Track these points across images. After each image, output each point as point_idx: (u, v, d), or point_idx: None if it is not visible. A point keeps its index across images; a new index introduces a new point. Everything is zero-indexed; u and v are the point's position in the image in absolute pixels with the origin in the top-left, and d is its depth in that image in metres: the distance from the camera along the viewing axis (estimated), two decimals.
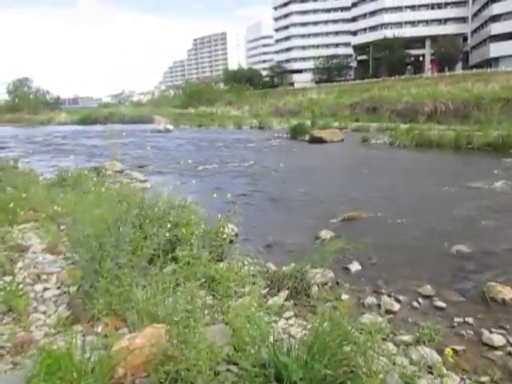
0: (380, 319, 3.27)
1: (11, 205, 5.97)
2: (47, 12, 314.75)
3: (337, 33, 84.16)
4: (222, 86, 76.68)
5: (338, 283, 4.33)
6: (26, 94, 76.23)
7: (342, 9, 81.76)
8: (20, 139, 29.64)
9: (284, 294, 3.84)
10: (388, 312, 3.75)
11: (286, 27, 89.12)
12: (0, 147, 20.47)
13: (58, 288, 3.94)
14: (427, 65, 66.01)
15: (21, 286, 3.64)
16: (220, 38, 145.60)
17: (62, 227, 5.58)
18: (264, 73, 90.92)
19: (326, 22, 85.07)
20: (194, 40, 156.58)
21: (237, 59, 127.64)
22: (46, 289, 3.94)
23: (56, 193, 7.17)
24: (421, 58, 68.10)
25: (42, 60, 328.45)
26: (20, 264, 4.50)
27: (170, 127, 33.56)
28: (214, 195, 5.57)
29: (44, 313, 3.50)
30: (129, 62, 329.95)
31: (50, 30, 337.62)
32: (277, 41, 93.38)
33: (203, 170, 12.96)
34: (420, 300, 4.07)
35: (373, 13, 71.34)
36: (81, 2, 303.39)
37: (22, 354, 2.90)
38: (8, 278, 4.00)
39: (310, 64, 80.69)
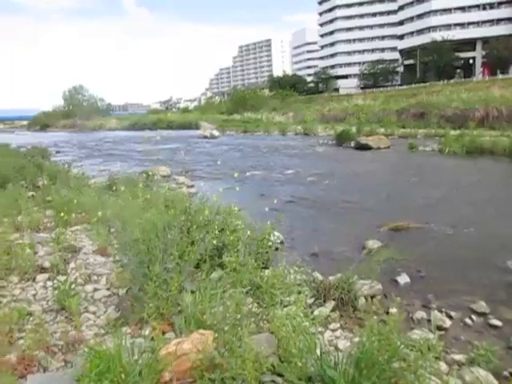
0: (431, 336, 3.13)
1: (65, 207, 6.25)
2: (100, 23, 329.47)
3: (383, 37, 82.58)
4: (266, 92, 77.03)
5: (385, 296, 4.20)
6: (79, 101, 79.95)
7: (389, 12, 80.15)
8: (73, 144, 31.06)
9: (330, 304, 3.77)
10: (439, 328, 3.58)
11: (331, 33, 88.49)
12: (56, 151, 21.53)
13: (108, 289, 4.06)
14: (478, 68, 63.33)
15: (73, 285, 3.77)
16: (265, 44, 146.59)
17: (111, 230, 5.75)
18: (309, 79, 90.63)
19: (372, 26, 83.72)
20: (240, 47, 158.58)
21: (281, 65, 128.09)
22: (96, 289, 4.06)
23: (106, 196, 7.42)
24: (471, 61, 65.48)
25: (95, 69, 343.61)
26: (72, 264, 4.68)
27: (216, 133, 34.02)
28: (259, 201, 5.56)
29: (94, 313, 3.61)
30: (177, 69, 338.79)
31: (103, 40, 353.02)
32: (322, 46, 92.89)
33: (248, 175, 13.03)
34: (473, 317, 3.86)
35: (420, 15, 69.32)
36: (131, 12, 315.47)
37: (73, 352, 3.00)
38: (61, 278, 4.17)
39: (355, 69, 79.66)
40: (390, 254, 4.73)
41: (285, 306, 3.42)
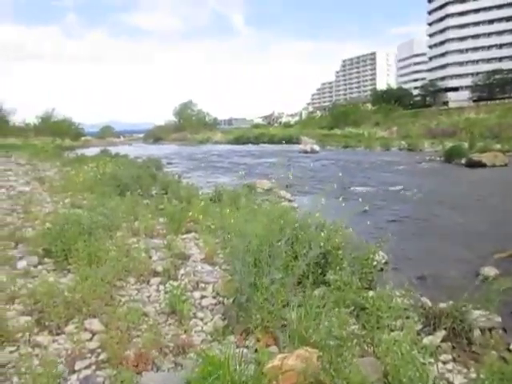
0: None
1: (176, 216, 6.69)
2: (211, 42, 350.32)
3: (500, 45, 76.12)
4: (369, 106, 75.24)
5: (505, 330, 3.80)
6: (189, 116, 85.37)
7: (508, 19, 73.67)
8: (183, 156, 33.16)
9: (441, 333, 3.50)
10: None
11: (442, 43, 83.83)
12: (167, 163, 23.17)
13: (214, 297, 4.22)
14: None
15: (184, 291, 3.99)
16: (369, 58, 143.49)
17: (218, 240, 6.00)
18: (415, 92, 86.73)
19: (489, 34, 77.64)
20: (343, 61, 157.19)
21: (385, 79, 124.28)
22: (203, 297, 4.25)
23: (213, 207, 7.79)
24: None
25: (204, 85, 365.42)
26: (182, 271, 4.96)
27: (316, 148, 34.00)
28: (363, 218, 5.42)
29: (201, 319, 3.78)
30: (280, 84, 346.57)
31: (213, 58, 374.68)
32: (431, 58, 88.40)
33: (350, 192, 12.75)
34: None
35: None
36: (240, 31, 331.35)
37: (183, 355, 3.16)
38: (173, 283, 4.45)
39: (467, 81, 74.42)
40: (510, 284, 4.27)
41: (391, 331, 3.27)
